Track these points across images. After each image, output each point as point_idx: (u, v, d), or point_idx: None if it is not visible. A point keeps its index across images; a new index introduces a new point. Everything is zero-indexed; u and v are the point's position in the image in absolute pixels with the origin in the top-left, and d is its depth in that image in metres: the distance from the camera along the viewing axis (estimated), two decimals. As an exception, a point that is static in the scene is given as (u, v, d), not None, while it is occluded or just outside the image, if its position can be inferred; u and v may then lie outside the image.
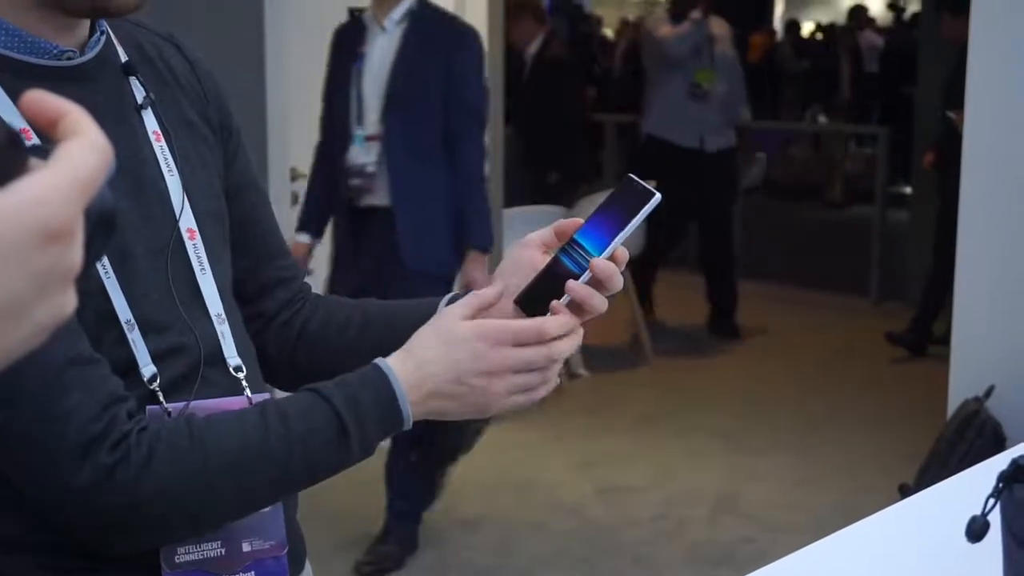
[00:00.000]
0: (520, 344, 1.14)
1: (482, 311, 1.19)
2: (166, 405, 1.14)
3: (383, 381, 1.13)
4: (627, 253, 1.19)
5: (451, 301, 1.29)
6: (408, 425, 1.15)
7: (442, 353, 1.14)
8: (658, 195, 1.16)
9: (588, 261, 1.16)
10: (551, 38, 6.41)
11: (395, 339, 1.18)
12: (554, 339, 1.15)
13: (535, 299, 1.18)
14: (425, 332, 1.18)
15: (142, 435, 1.06)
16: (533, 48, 6.34)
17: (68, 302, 0.56)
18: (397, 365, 1.15)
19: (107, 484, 1.04)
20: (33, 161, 0.55)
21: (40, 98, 0.56)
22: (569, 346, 1.16)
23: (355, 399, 1.12)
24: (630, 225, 1.16)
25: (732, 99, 6.43)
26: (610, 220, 1.18)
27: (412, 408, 1.14)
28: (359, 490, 4.15)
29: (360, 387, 1.13)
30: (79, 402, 1.04)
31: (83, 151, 0.55)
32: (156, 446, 1.06)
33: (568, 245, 1.19)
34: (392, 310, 1.35)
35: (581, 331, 1.19)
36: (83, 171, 0.54)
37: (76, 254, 0.55)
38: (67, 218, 0.54)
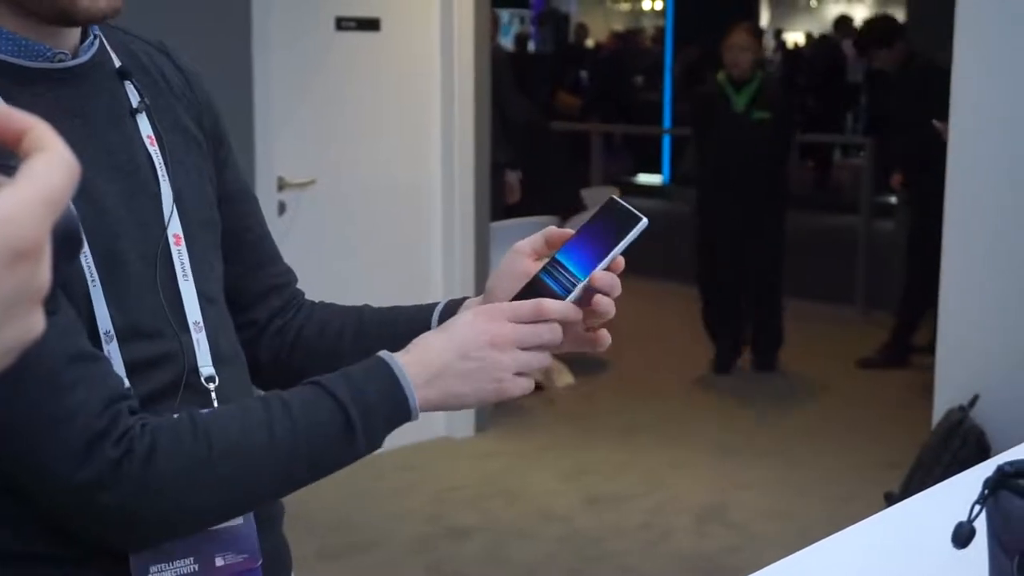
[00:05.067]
0: (519, 320, 1.13)
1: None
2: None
3: (388, 372, 1.12)
4: (622, 264, 1.18)
5: (445, 307, 1.29)
6: (415, 416, 1.13)
7: (445, 336, 1.14)
8: (645, 220, 1.14)
9: (572, 282, 1.14)
10: None
11: (390, 346, 1.16)
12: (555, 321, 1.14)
13: None
14: (429, 331, 1.18)
15: (145, 429, 1.06)
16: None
17: (36, 323, 0.54)
18: (402, 355, 1.14)
19: (112, 478, 1.03)
20: None
21: (3, 113, 0.54)
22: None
23: (361, 391, 1.11)
24: (616, 249, 1.14)
25: None
26: (594, 242, 1.15)
27: (423, 393, 1.12)
28: (347, 500, 4.16)
29: (365, 380, 1.12)
30: (83, 399, 1.03)
31: (50, 167, 0.53)
32: (159, 439, 1.06)
33: (549, 265, 1.17)
34: (387, 316, 1.34)
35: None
36: (50, 188, 0.52)
37: (44, 274, 0.53)
38: (35, 237, 0.51)
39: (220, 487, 1.09)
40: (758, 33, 5.91)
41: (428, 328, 1.25)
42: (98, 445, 1.03)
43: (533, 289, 1.17)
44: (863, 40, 6.50)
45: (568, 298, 1.14)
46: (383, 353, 1.14)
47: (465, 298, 1.32)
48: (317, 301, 1.41)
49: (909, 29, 8.59)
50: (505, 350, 1.12)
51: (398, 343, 1.16)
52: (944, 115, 5.51)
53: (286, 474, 1.11)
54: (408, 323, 1.28)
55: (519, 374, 1.14)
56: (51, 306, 0.55)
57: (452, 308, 1.29)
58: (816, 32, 16.17)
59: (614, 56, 14.55)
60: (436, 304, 1.30)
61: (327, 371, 1.16)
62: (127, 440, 1.04)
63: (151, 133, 1.21)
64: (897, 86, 6.00)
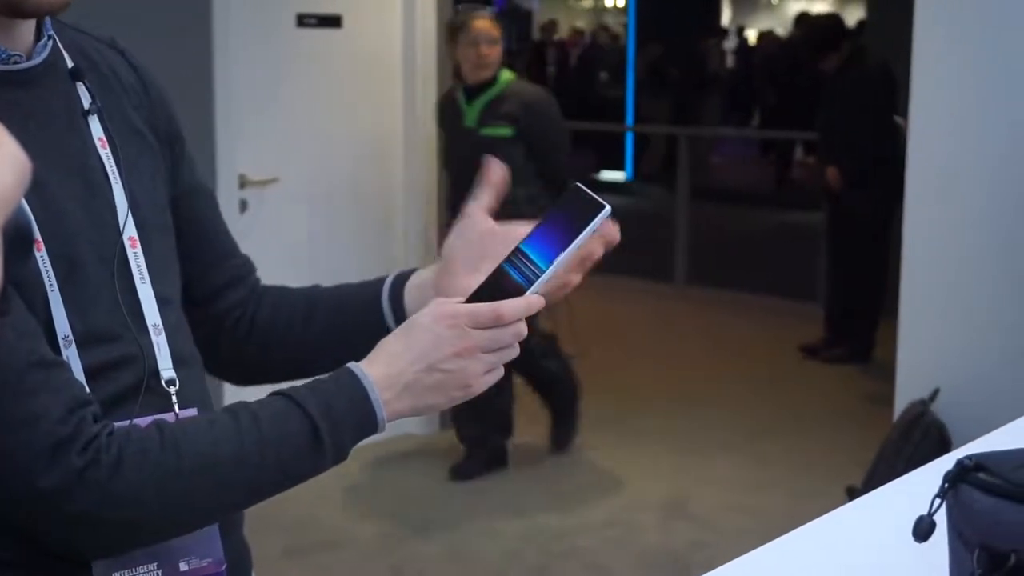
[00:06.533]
0: (479, 326, 1.13)
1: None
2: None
3: (357, 385, 1.13)
4: (598, 253, 1.20)
5: (395, 279, 1.32)
6: (382, 428, 1.14)
7: (407, 344, 1.14)
8: (608, 207, 1.14)
9: (534, 272, 1.14)
10: None
11: (342, 322, 1.19)
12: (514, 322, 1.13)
13: None
14: (392, 333, 1.18)
15: (111, 438, 1.05)
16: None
17: None
18: (369, 367, 1.14)
19: (77, 487, 1.02)
20: None
21: None
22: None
23: (329, 405, 1.12)
24: (580, 237, 1.14)
25: None
26: (558, 230, 1.14)
27: (393, 406, 1.13)
28: (312, 499, 4.14)
29: (334, 392, 1.13)
30: (45, 405, 1.02)
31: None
32: (127, 448, 1.05)
33: (513, 256, 1.16)
34: (338, 292, 1.36)
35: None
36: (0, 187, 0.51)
37: None
38: None
39: (188, 497, 1.08)
40: (506, 24, 4.52)
41: (379, 314, 1.29)
42: (63, 452, 1.02)
43: (496, 280, 1.16)
44: (811, 44, 6.34)
45: (529, 290, 1.13)
46: (352, 365, 1.14)
47: (414, 270, 1.34)
48: (270, 285, 1.41)
49: (869, 28, 8.66)
50: (471, 357, 1.13)
51: (350, 320, 1.21)
52: (890, 113, 5.55)
53: (254, 485, 1.12)
54: (360, 297, 1.32)
55: (487, 371, 1.15)
56: (2, 307, 0.54)
57: (400, 283, 1.32)
58: (777, 29, 16.27)
59: (584, 53, 14.60)
60: (383, 280, 1.32)
61: (282, 357, 1.20)
62: (93, 449, 1.03)
63: (102, 136, 1.20)
64: (844, 85, 5.94)
